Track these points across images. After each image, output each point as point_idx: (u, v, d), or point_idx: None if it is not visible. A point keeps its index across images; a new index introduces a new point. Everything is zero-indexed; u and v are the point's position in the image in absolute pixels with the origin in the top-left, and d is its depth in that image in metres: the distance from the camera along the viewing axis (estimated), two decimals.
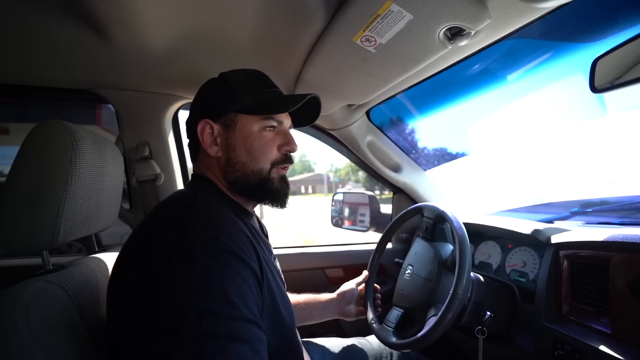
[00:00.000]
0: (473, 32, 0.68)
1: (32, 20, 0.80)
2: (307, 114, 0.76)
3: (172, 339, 0.42)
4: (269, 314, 0.57)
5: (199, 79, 1.07)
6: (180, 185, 1.29)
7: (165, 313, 0.43)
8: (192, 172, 0.75)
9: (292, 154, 0.72)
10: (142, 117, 1.19)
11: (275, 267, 0.74)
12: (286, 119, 0.71)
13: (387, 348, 1.03)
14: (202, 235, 0.51)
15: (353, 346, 1.05)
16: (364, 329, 1.12)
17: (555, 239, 0.88)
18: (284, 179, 0.71)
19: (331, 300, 1.06)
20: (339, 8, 0.71)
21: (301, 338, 0.83)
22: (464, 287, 0.75)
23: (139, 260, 0.51)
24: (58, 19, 0.79)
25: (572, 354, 0.72)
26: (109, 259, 0.76)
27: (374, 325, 0.98)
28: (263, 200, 0.70)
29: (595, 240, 0.78)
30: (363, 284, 1.10)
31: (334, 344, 1.05)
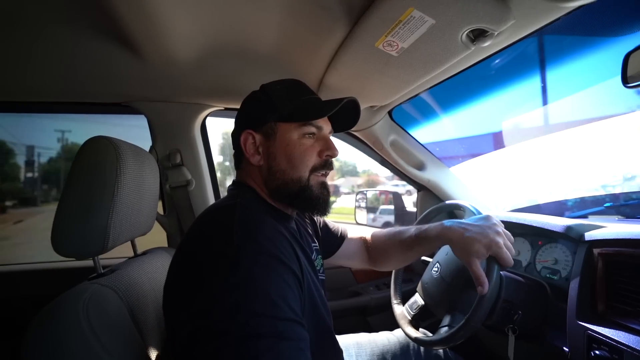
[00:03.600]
0: (496, 33, 0.67)
1: (74, 43, 0.86)
2: (346, 119, 0.76)
3: (221, 339, 0.45)
4: (308, 314, 0.60)
5: (224, 87, 1.12)
6: (210, 189, 1.34)
7: (215, 315, 0.47)
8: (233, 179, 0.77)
9: (332, 159, 0.72)
10: (173, 126, 1.25)
11: (316, 268, 0.75)
12: (325, 125, 0.72)
13: None
14: (245, 241, 0.53)
15: (381, 340, 1.08)
16: (390, 324, 1.14)
17: (589, 235, 0.85)
18: (324, 186, 0.71)
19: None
20: (360, 15, 0.72)
21: None
22: (493, 288, 0.74)
23: (190, 268, 0.54)
24: (96, 39, 0.85)
25: (610, 354, 0.70)
26: (149, 261, 0.81)
27: (396, 304, 1.05)
28: (303, 208, 0.71)
29: (632, 237, 0.75)
30: None
31: (363, 339, 1.08)
